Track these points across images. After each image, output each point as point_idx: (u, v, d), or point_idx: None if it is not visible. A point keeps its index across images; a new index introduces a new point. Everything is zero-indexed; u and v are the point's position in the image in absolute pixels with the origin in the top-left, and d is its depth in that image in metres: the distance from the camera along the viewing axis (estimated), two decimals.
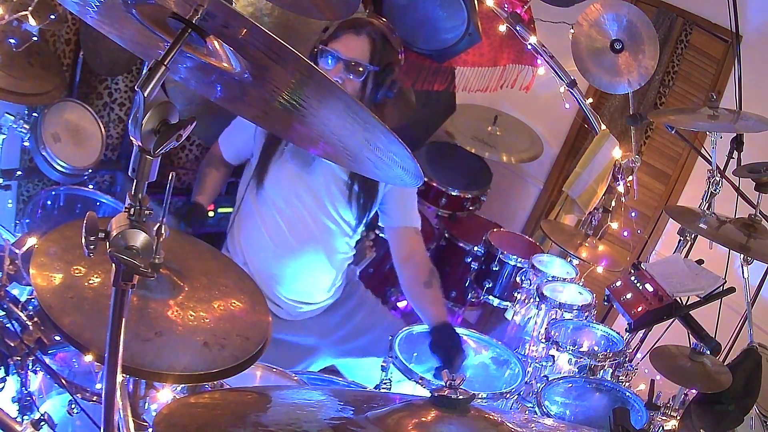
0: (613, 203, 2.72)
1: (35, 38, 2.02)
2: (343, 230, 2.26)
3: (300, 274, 2.23)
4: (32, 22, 1.96)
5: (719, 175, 2.20)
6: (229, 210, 2.45)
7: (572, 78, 2.43)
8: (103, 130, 2.28)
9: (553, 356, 2.07)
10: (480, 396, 1.79)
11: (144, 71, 0.90)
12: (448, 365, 1.93)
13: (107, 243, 0.90)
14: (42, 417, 1.32)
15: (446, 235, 3.18)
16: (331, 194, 2.19)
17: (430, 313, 2.14)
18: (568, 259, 2.75)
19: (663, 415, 1.86)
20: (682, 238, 2.31)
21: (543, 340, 2.16)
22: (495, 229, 3.08)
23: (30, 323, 1.31)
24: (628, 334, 2.15)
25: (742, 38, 2.79)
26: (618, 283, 2.10)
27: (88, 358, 1.07)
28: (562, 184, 3.48)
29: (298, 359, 2.21)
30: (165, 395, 1.37)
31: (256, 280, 2.21)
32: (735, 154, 2.25)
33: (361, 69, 2.05)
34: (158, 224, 0.93)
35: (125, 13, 0.97)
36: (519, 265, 2.86)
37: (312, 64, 0.87)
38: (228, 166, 2.35)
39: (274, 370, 1.73)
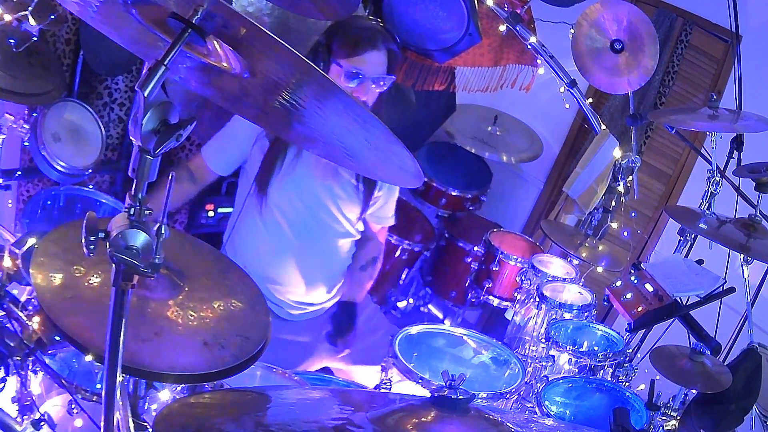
0: (613, 203, 2.71)
1: (35, 38, 2.02)
2: (345, 229, 2.26)
3: (302, 275, 2.23)
4: (32, 22, 1.95)
5: (719, 175, 2.20)
6: (229, 210, 2.45)
7: (572, 78, 2.43)
8: (103, 130, 2.28)
9: (553, 356, 2.07)
10: (480, 396, 1.79)
11: (144, 71, 0.90)
12: (337, 333, 2.28)
13: (107, 243, 0.90)
14: (42, 417, 1.32)
15: (446, 235, 3.18)
16: (334, 194, 2.20)
17: (348, 290, 2.39)
18: (568, 259, 2.74)
19: (663, 415, 1.86)
20: (682, 238, 2.31)
21: (543, 340, 2.16)
22: (495, 229, 3.07)
23: (30, 323, 1.31)
24: (628, 334, 2.15)
25: (742, 38, 2.79)
26: (618, 283, 2.10)
27: (88, 358, 1.07)
28: (562, 184, 3.47)
29: (297, 360, 2.21)
30: (165, 395, 1.37)
31: (258, 283, 2.21)
32: (735, 154, 2.26)
33: (386, 83, 2.08)
34: (158, 224, 0.93)
35: (125, 13, 0.97)
36: (519, 265, 2.86)
37: (312, 64, 0.87)
38: (199, 182, 2.25)
39: (274, 370, 1.73)
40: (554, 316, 2.32)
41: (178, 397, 1.36)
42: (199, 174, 2.23)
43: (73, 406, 1.39)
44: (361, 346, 2.32)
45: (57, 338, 1.30)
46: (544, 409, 1.80)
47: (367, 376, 2.24)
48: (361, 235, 2.38)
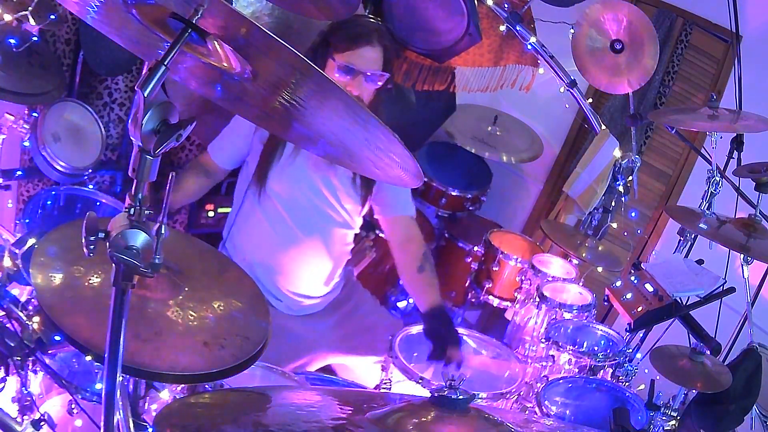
0: (613, 203, 2.71)
1: (35, 38, 2.02)
2: (344, 219, 2.28)
3: (300, 263, 2.25)
4: (32, 22, 1.96)
5: (719, 175, 2.20)
6: (229, 209, 2.45)
7: (572, 78, 2.43)
8: (103, 130, 2.28)
9: (553, 356, 2.08)
10: (480, 396, 1.79)
11: (144, 71, 0.90)
12: (440, 350, 1.98)
13: (107, 243, 0.90)
14: (42, 417, 1.32)
15: (446, 235, 3.18)
16: (332, 185, 2.21)
17: (422, 299, 2.21)
18: (568, 259, 2.74)
19: (663, 415, 1.86)
20: (682, 238, 2.31)
21: (543, 340, 2.16)
22: (495, 229, 3.07)
23: (30, 323, 1.31)
24: (628, 334, 2.15)
25: (742, 38, 2.79)
26: (618, 283, 2.10)
27: (88, 358, 1.07)
28: (562, 184, 3.47)
29: (297, 355, 2.21)
30: (165, 395, 1.37)
31: (257, 273, 2.18)
32: (735, 154, 2.26)
33: (380, 80, 2.08)
34: (158, 224, 0.93)
35: (125, 13, 0.97)
36: (519, 265, 2.86)
37: (311, 64, 0.87)
38: (212, 176, 2.33)
39: (274, 370, 1.73)
40: (554, 316, 2.32)
41: (178, 397, 1.36)
42: (210, 168, 2.31)
43: (73, 406, 1.39)
44: (362, 338, 2.33)
45: (57, 338, 1.30)
46: (544, 409, 1.80)
47: (368, 368, 2.24)
48: (358, 241, 2.38)
